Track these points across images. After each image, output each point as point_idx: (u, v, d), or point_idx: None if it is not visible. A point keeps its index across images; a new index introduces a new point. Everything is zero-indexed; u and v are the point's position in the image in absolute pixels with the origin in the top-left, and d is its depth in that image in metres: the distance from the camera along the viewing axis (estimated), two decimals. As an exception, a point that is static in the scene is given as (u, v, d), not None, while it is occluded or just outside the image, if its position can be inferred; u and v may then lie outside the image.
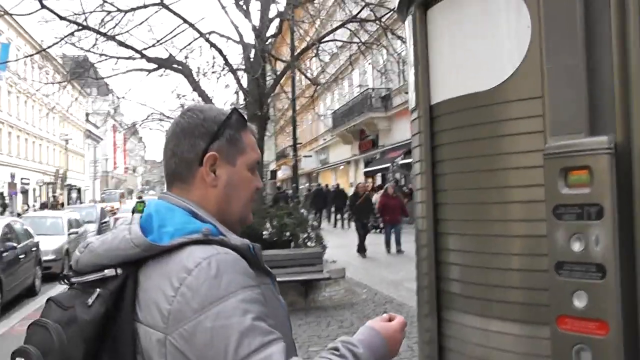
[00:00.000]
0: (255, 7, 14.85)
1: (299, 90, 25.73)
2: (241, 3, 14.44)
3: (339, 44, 18.38)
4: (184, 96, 16.00)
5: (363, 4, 14.14)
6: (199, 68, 15.17)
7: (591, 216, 1.81)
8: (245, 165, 1.52)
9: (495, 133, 2.14)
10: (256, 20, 14.38)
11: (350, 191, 25.78)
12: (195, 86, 14.31)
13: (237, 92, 19.98)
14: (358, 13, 14.34)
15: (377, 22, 14.19)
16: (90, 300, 1.32)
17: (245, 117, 1.55)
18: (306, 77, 18.62)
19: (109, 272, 1.34)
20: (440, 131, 2.41)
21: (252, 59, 14.10)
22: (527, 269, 2.06)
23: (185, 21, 14.00)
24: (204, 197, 1.47)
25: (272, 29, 15.33)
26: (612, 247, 1.78)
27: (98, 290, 1.33)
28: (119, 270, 1.34)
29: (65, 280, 1.42)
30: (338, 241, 17.18)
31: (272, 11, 14.85)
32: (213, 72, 14.79)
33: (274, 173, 55.53)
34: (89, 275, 1.38)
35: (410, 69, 2.65)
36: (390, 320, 1.51)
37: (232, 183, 1.50)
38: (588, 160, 1.83)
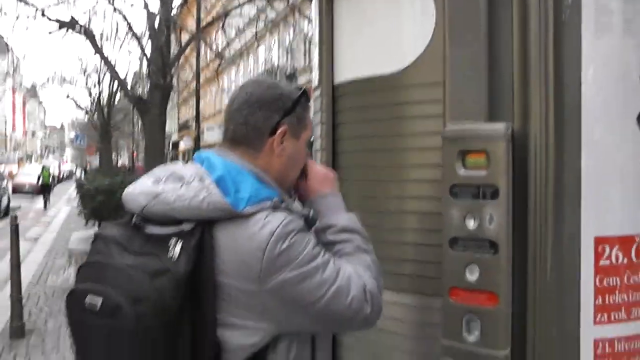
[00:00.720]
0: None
1: (204, 63, 25.08)
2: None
3: (247, 19, 18.05)
4: (85, 59, 15.24)
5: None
6: (102, 32, 14.47)
7: (486, 196, 1.84)
8: (306, 140, 1.68)
9: (396, 115, 2.11)
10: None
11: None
12: (98, 50, 13.65)
13: (140, 60, 19.23)
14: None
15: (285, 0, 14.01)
16: (173, 253, 1.40)
17: (308, 96, 1.70)
18: (211, 49, 18.16)
19: (187, 226, 1.43)
20: (342, 110, 2.37)
21: (156, 28, 13.58)
22: (422, 243, 2.08)
23: (88, -18, 13.25)
24: (268, 164, 1.60)
25: (178, -1, 14.80)
26: (505, 225, 1.81)
27: (180, 242, 1.41)
28: (197, 227, 1.43)
29: (139, 223, 1.50)
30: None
31: (179, -21, 14.33)
32: (117, 38, 14.17)
33: (176, 144, 54.05)
34: (165, 227, 1.46)
35: (315, 47, 2.60)
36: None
37: (293, 155, 1.65)
38: (485, 145, 1.85)
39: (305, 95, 1.66)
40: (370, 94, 2.24)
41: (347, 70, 2.37)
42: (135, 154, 48.28)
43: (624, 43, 1.90)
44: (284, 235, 1.44)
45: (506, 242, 1.83)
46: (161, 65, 13.53)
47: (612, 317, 1.89)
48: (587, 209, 1.87)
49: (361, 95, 2.29)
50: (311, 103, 1.69)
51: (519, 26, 1.87)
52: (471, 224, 1.88)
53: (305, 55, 24.38)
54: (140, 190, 1.54)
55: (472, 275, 1.86)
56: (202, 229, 1.43)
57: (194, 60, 19.99)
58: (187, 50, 17.05)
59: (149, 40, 14.02)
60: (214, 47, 19.18)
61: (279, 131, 1.61)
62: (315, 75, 2.59)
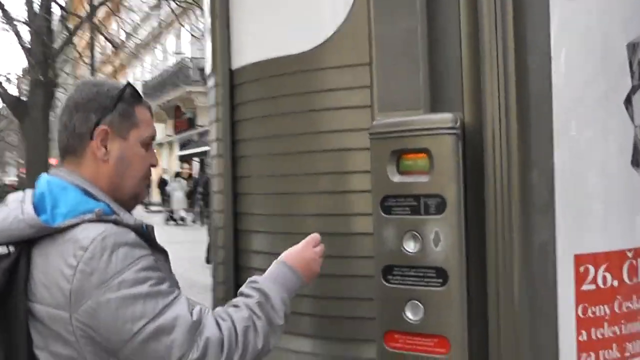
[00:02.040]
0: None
1: (103, 57, 24.06)
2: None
3: (152, 3, 17.28)
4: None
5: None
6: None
7: (429, 209, 1.57)
8: (139, 141, 1.59)
9: (310, 106, 1.86)
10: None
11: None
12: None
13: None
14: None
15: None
16: None
17: (139, 92, 1.64)
18: (104, 36, 17.07)
19: (1, 249, 1.44)
20: (242, 103, 2.06)
21: (36, 12, 12.67)
22: (345, 274, 1.80)
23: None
24: (96, 173, 1.55)
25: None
26: (456, 247, 1.55)
27: None
28: (12, 248, 1.43)
29: None
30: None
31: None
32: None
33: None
34: None
35: (208, 26, 2.24)
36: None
37: (124, 158, 1.57)
38: (426, 142, 1.58)
39: (130, 88, 1.60)
40: (277, 81, 1.92)
41: (248, 51, 2.05)
42: (25, 170, 45.49)
43: (605, 5, 1.66)
44: (101, 250, 1.38)
45: (458, 270, 1.54)
46: (42, 57, 12.60)
47: (601, 357, 1.63)
48: (564, 219, 1.60)
49: (266, 83, 1.97)
50: (143, 99, 1.63)
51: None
52: (411, 246, 1.59)
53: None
54: None
55: (414, 315, 1.59)
56: (19, 251, 1.44)
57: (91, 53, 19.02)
58: (83, 44, 16.17)
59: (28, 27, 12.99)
60: (115, 38, 18.29)
61: (95, 132, 1.54)
62: (208, 60, 2.24)
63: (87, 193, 1.51)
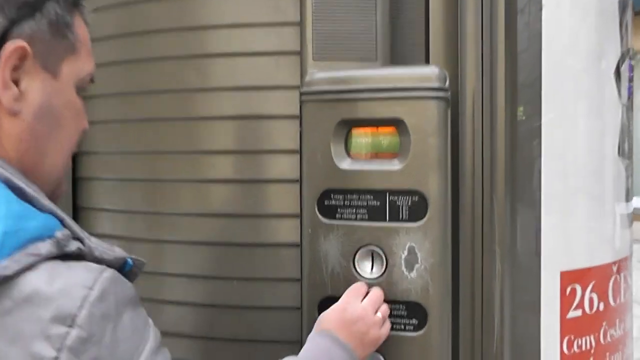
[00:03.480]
0: None
1: None
2: None
3: None
4: None
5: None
6: None
7: (401, 213, 1.04)
8: (75, 80, 0.88)
9: (190, 50, 1.26)
10: None
11: None
12: None
13: None
14: None
15: None
16: None
17: None
18: None
19: None
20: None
21: None
22: (261, 305, 1.24)
23: None
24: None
25: None
26: (440, 272, 1.03)
27: None
28: None
29: None
30: None
31: None
32: None
33: None
34: None
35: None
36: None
37: (51, 110, 0.85)
38: (398, 109, 1.05)
39: None
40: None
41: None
42: None
43: None
44: (102, 322, 0.75)
45: (442, 306, 1.03)
46: None
47: None
48: (551, 220, 1.18)
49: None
50: (83, 4, 0.91)
51: None
52: (367, 270, 1.06)
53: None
54: None
55: None
56: None
57: None
58: None
59: None
60: None
61: (3, 52, 0.81)
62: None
63: (14, 188, 0.80)
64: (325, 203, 1.07)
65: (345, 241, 1.05)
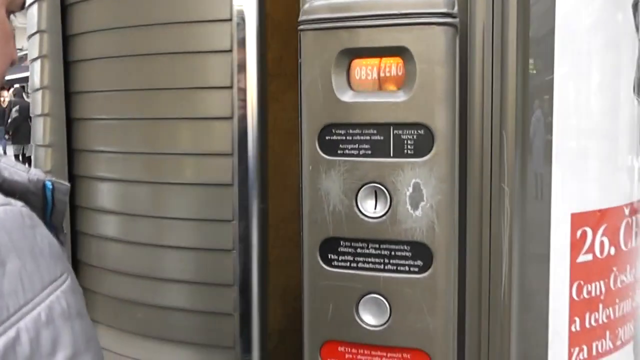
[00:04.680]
0: None
1: None
2: None
3: None
4: None
5: None
6: None
7: (405, 149, 0.99)
8: (6, 2, 0.79)
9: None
10: None
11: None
12: None
13: None
14: None
15: None
16: None
17: None
18: None
19: None
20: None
21: None
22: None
23: None
24: None
25: None
26: (447, 210, 0.98)
27: None
28: None
29: None
30: None
31: None
32: None
33: None
34: None
35: None
36: None
37: None
38: (402, 37, 0.98)
39: None
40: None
41: None
42: None
43: None
44: None
45: (448, 246, 0.98)
46: None
47: (594, 350, 1.19)
48: (562, 159, 1.11)
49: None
50: None
51: None
52: (371, 208, 1.01)
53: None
54: None
55: (375, 318, 1.01)
56: None
57: None
58: None
59: None
60: None
61: None
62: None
63: None
64: (326, 138, 1.01)
65: (348, 178, 1.00)
